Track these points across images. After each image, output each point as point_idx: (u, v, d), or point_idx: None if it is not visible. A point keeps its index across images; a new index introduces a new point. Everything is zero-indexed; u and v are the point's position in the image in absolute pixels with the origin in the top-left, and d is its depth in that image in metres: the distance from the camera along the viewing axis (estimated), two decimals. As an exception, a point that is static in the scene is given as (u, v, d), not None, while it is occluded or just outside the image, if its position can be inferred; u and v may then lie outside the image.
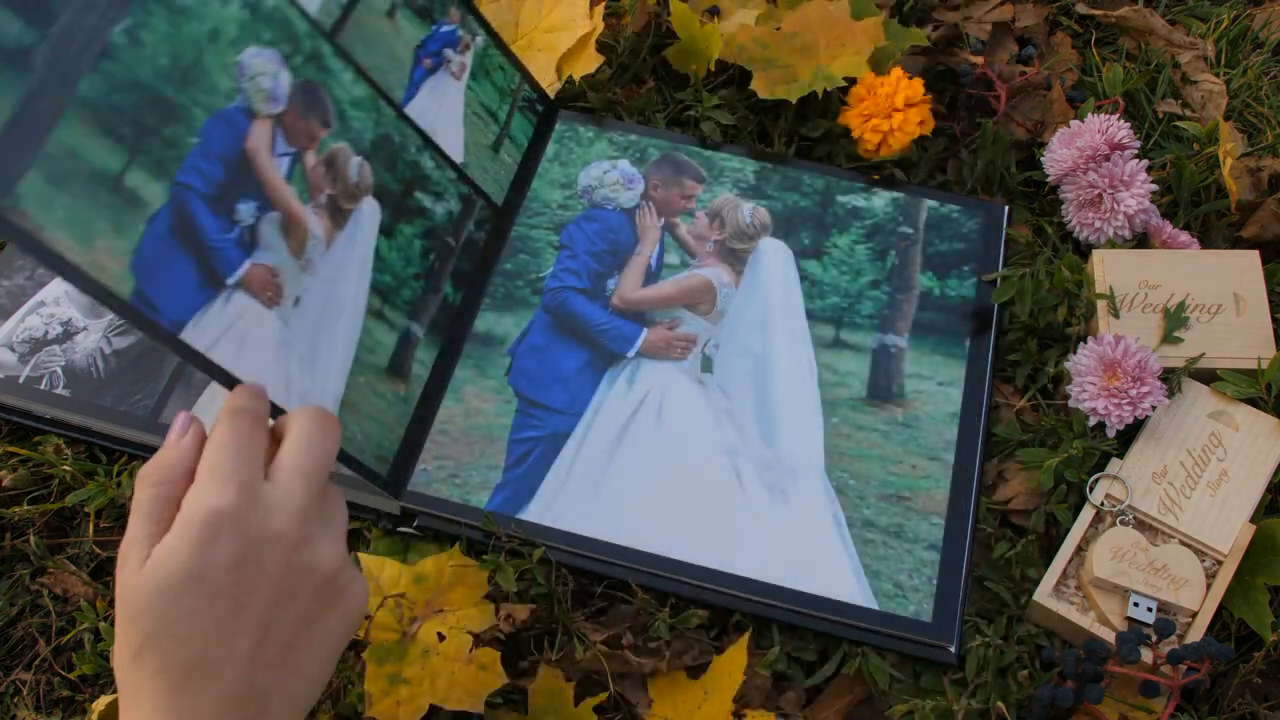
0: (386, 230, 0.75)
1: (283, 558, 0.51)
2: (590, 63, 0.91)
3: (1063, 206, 0.85)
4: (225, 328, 0.63)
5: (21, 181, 0.53)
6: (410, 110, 0.80)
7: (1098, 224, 0.82)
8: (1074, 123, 0.85)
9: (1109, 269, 0.79)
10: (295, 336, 0.68)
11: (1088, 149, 0.83)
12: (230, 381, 0.61)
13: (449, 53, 0.85)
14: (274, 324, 0.67)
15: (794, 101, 0.87)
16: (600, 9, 0.94)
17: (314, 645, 0.53)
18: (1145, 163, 0.82)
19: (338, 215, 0.73)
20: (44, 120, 0.55)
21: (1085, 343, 0.75)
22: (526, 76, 0.89)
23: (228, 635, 0.50)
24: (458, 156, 0.83)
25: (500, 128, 0.88)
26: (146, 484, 0.52)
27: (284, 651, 0.51)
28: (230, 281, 0.65)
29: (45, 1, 0.55)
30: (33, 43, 0.54)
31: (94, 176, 0.57)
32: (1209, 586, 0.69)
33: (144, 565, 0.50)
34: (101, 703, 0.66)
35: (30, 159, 0.54)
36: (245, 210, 0.66)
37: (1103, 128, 0.83)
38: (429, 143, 0.81)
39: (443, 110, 0.83)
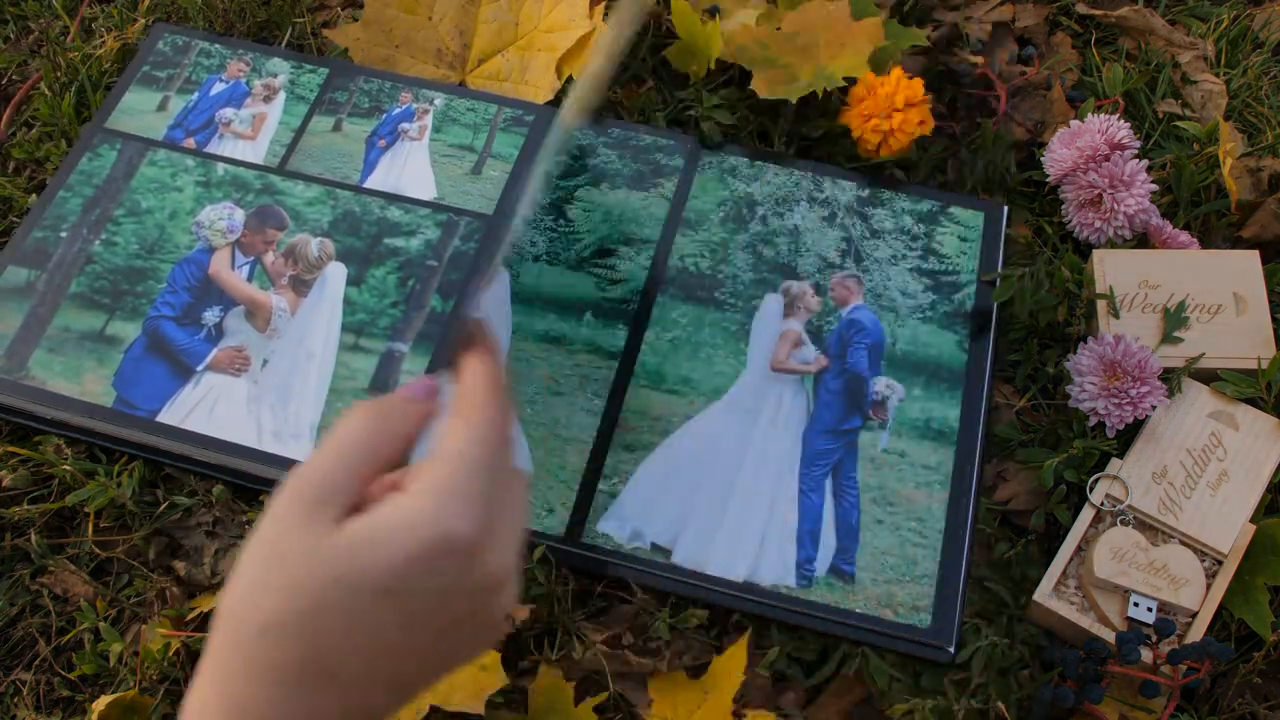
0: (355, 281, 0.83)
1: (478, 603, 0.45)
2: (590, 63, 0.91)
3: (1063, 206, 0.85)
4: (196, 402, 0.78)
5: (30, 359, 0.79)
6: (370, 183, 0.87)
7: (1098, 224, 0.82)
8: (1074, 123, 0.85)
9: (1109, 269, 0.79)
10: (265, 390, 0.78)
11: (1088, 149, 0.83)
12: (208, 441, 0.75)
13: (404, 126, 0.90)
14: (243, 387, 0.78)
15: (794, 101, 0.87)
16: (600, 9, 0.94)
17: (426, 678, 0.45)
18: (1145, 163, 0.82)
19: (301, 287, 0.83)
20: (46, 317, 0.80)
21: (1085, 343, 0.75)
22: (504, 101, 0.91)
23: (385, 654, 0.42)
24: (430, 195, 0.87)
25: (479, 155, 0.89)
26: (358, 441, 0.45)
27: (409, 676, 0.44)
28: (199, 368, 0.79)
29: (45, 248, 0.82)
30: (35, 277, 0.82)
31: (82, 337, 0.80)
32: (1209, 586, 0.69)
33: (334, 529, 0.42)
34: (101, 703, 0.66)
35: (36, 342, 0.79)
36: (210, 315, 0.81)
37: (1103, 128, 0.83)
38: (395, 198, 0.86)
39: (406, 169, 0.89)
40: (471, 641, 0.46)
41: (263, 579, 0.42)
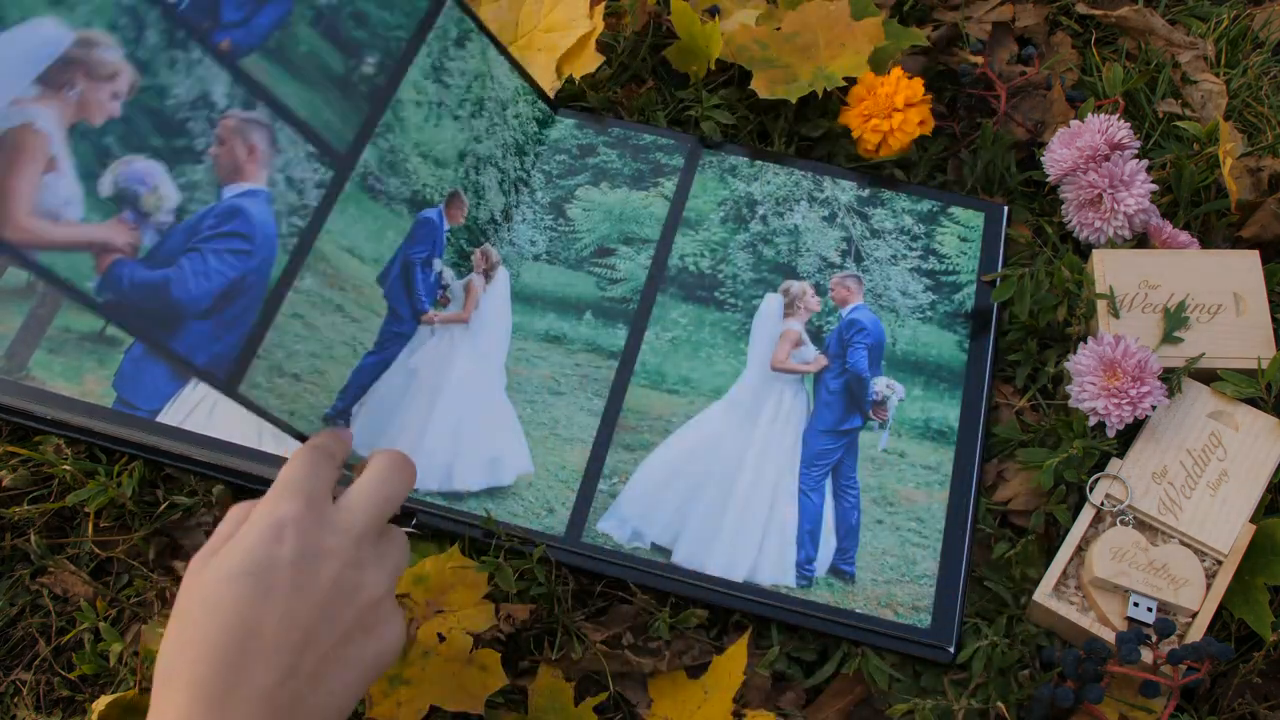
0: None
1: (334, 572, 0.54)
2: (590, 62, 0.91)
3: (1063, 206, 0.85)
4: (196, 403, 0.78)
5: (30, 359, 0.79)
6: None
7: (1098, 224, 0.82)
8: (1074, 123, 0.85)
9: (1109, 269, 0.79)
10: None
11: (1088, 149, 0.83)
12: (208, 441, 0.75)
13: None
14: None
15: (794, 101, 0.87)
16: (600, 9, 0.94)
17: (348, 667, 0.54)
18: (1145, 163, 0.82)
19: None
20: (46, 318, 0.80)
21: (1085, 343, 0.75)
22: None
23: (273, 632, 0.51)
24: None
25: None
26: (232, 510, 0.57)
27: (321, 664, 0.53)
28: None
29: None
30: (35, 278, 0.72)
31: (82, 338, 0.80)
32: (1209, 586, 0.69)
33: (218, 554, 0.54)
34: (101, 703, 0.66)
35: (36, 343, 0.79)
36: None
37: (1103, 128, 0.83)
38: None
39: None
40: (361, 633, 0.55)
41: (173, 617, 0.55)
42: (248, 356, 0.67)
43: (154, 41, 0.64)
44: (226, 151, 0.67)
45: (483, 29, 0.88)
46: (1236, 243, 0.86)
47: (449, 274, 0.82)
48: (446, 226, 0.83)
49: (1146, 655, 0.66)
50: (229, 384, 0.66)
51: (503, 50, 0.89)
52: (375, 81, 0.79)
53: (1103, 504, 0.73)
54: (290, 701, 0.51)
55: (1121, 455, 0.74)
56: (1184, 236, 0.82)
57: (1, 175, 0.54)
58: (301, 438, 0.70)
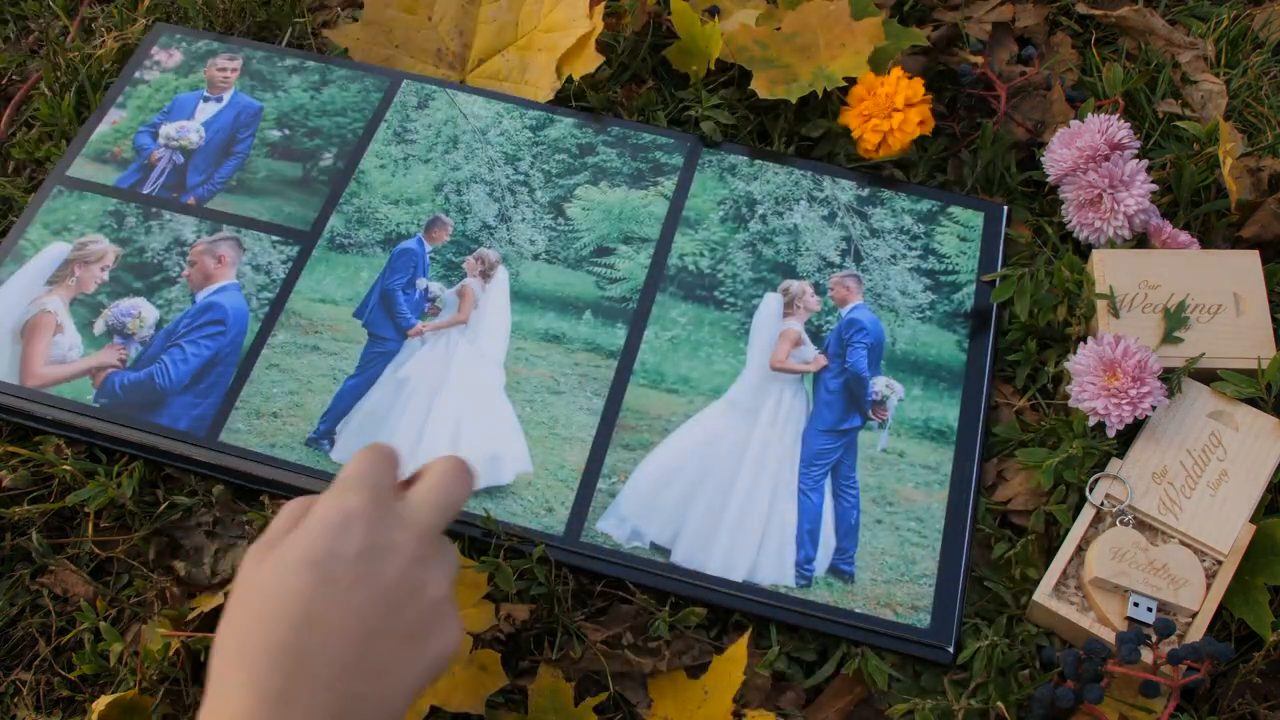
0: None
1: (400, 568, 0.52)
2: (590, 62, 0.91)
3: (1063, 206, 0.85)
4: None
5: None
6: None
7: (1098, 224, 0.82)
8: (1074, 123, 0.85)
9: (1109, 269, 0.79)
10: None
11: (1088, 149, 0.83)
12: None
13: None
14: None
15: (794, 101, 0.87)
16: (600, 9, 0.94)
17: (409, 665, 0.52)
18: (1145, 163, 0.82)
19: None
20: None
21: (1085, 343, 0.75)
22: None
23: (336, 624, 0.50)
24: None
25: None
26: (288, 504, 0.55)
27: (383, 660, 0.51)
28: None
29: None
30: None
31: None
32: (1209, 586, 0.69)
33: (277, 546, 0.52)
34: (101, 703, 0.66)
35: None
36: None
37: (1103, 128, 0.83)
38: None
39: None
40: (424, 632, 0.53)
41: (228, 610, 0.53)
42: (226, 410, 0.77)
43: (133, 224, 0.86)
44: (198, 270, 0.84)
45: (446, 84, 0.92)
46: (1236, 243, 0.85)
47: (436, 287, 0.83)
48: (429, 249, 0.84)
49: (1146, 655, 0.66)
50: (209, 438, 0.76)
51: (474, 90, 0.93)
52: (335, 168, 0.89)
53: (1103, 504, 0.73)
54: (352, 696, 0.49)
55: (1121, 455, 0.74)
56: (1184, 236, 0.82)
57: (25, 347, 0.80)
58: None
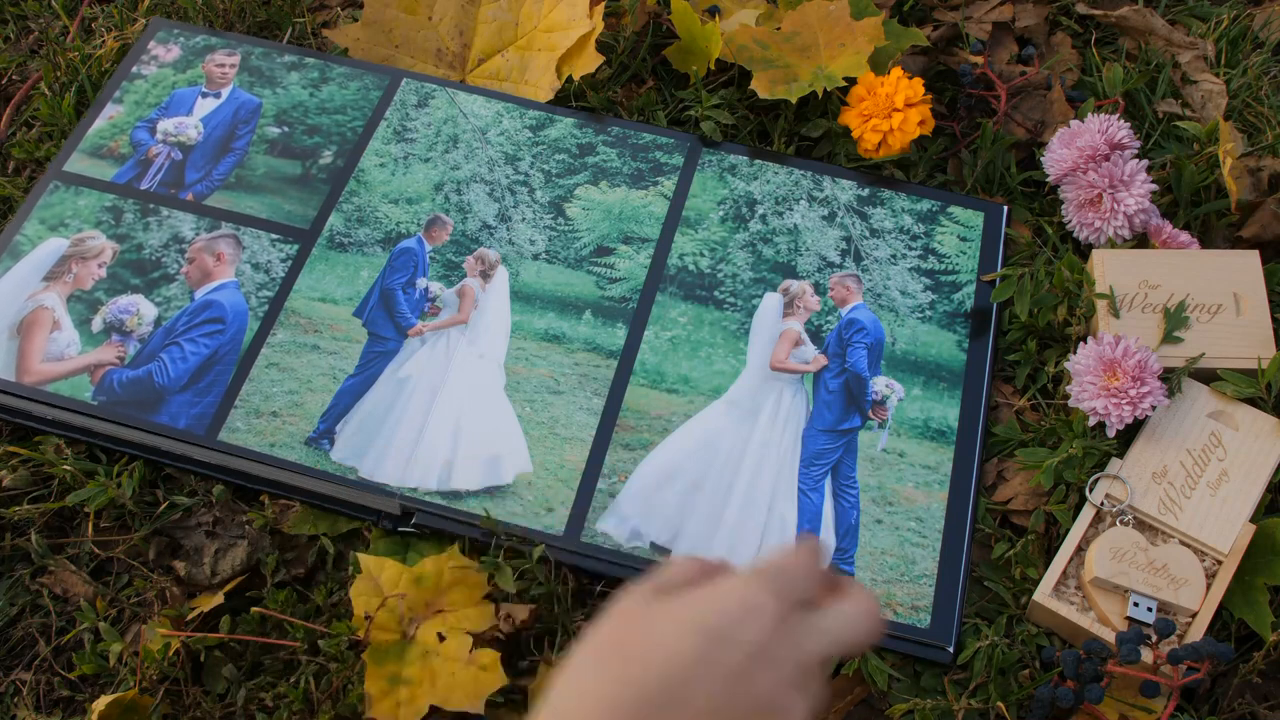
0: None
1: (774, 684, 0.51)
2: (590, 62, 0.91)
3: (1063, 206, 0.85)
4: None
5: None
6: None
7: (1098, 224, 0.82)
8: (1074, 123, 0.85)
9: (1109, 269, 0.79)
10: None
11: (1088, 149, 0.83)
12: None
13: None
14: None
15: (794, 101, 0.87)
16: (600, 9, 0.94)
17: None
18: (1145, 163, 0.82)
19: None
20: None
21: (1085, 343, 0.75)
22: None
23: (697, 706, 0.49)
24: None
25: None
26: (682, 558, 0.55)
27: None
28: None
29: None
30: None
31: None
32: (1209, 586, 0.69)
33: (672, 597, 0.52)
34: (101, 703, 0.66)
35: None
36: None
37: (1103, 128, 0.83)
38: None
39: None
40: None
41: (596, 634, 0.52)
42: (225, 409, 0.77)
43: (130, 220, 0.86)
44: (196, 267, 0.84)
45: (446, 83, 0.92)
46: (1236, 243, 0.85)
47: (436, 286, 0.83)
48: (429, 248, 0.84)
49: (1146, 655, 0.66)
50: (209, 436, 0.76)
51: (474, 89, 0.93)
52: (334, 166, 0.89)
53: (1103, 504, 0.73)
54: None
55: (1121, 455, 0.74)
56: (1184, 236, 0.82)
57: (22, 343, 0.80)
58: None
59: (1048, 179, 0.86)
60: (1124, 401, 0.72)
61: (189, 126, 0.90)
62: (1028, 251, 0.85)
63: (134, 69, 0.93)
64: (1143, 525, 0.72)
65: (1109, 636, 0.68)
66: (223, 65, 0.93)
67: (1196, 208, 0.86)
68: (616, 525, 0.74)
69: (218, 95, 0.92)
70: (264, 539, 0.74)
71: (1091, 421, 0.73)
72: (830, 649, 0.54)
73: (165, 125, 0.90)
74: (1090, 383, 0.73)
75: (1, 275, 0.83)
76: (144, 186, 0.87)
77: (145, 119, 0.91)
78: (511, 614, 0.69)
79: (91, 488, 0.75)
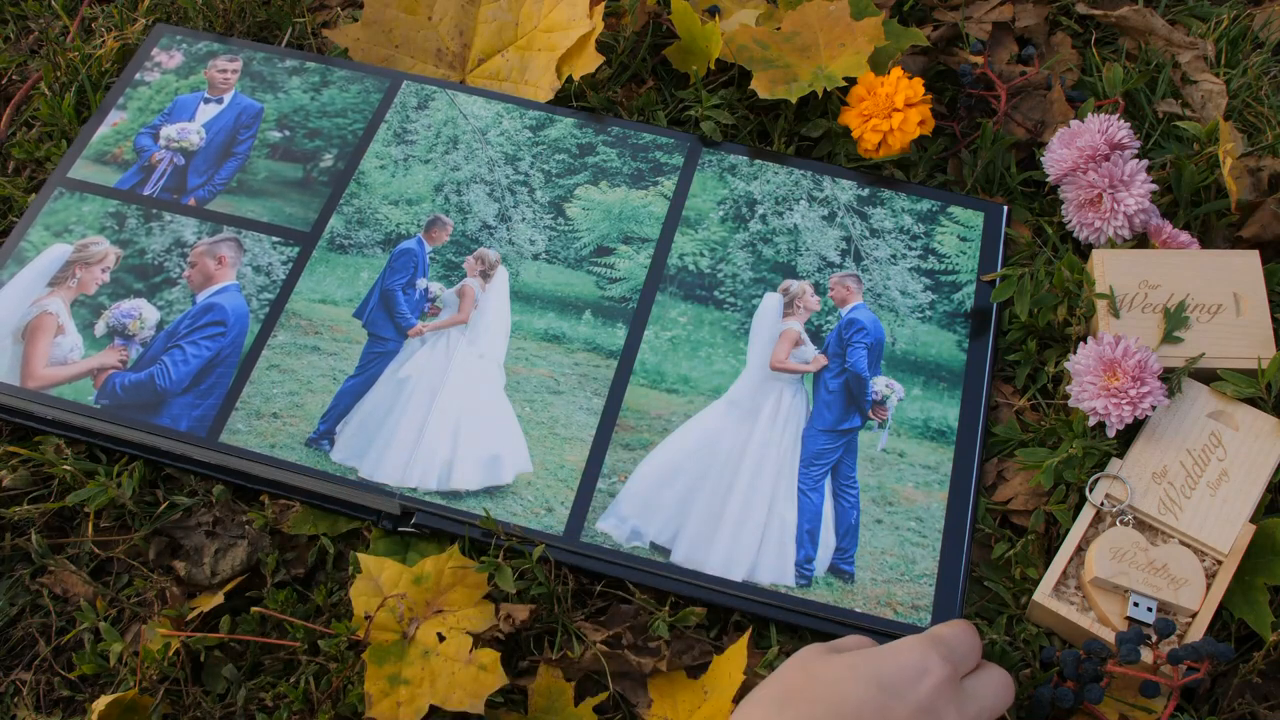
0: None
1: None
2: (590, 62, 0.91)
3: (1063, 206, 0.85)
4: None
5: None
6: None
7: (1098, 224, 0.82)
8: (1074, 123, 0.85)
9: (1109, 269, 0.79)
10: None
11: (1088, 149, 0.83)
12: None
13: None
14: None
15: (794, 101, 0.87)
16: (600, 9, 0.94)
17: None
18: (1145, 163, 0.82)
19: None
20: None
21: (1085, 343, 0.75)
22: None
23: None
24: None
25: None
26: (856, 636, 0.63)
27: None
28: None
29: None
30: None
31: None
32: (1209, 586, 0.69)
33: (847, 654, 0.59)
34: (101, 703, 0.66)
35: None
36: None
37: (1103, 128, 0.83)
38: None
39: None
40: None
41: (783, 675, 0.60)
42: (227, 411, 0.77)
43: (133, 225, 0.86)
44: (199, 271, 0.84)
45: (446, 85, 0.92)
46: (1236, 243, 0.85)
47: (436, 287, 0.83)
48: (429, 249, 0.84)
49: (1146, 655, 0.66)
50: (210, 439, 0.76)
51: (474, 90, 0.93)
52: (335, 169, 0.89)
53: (1103, 504, 0.73)
54: None
55: (1121, 455, 0.74)
56: (1184, 236, 0.82)
57: (27, 348, 0.80)
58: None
59: (1048, 179, 0.86)
60: (1124, 401, 0.72)
61: (191, 132, 0.90)
62: (1028, 251, 0.85)
63: (137, 75, 0.94)
64: (1143, 525, 0.72)
65: (1109, 636, 0.68)
66: (225, 71, 0.94)
67: (1196, 208, 0.86)
68: (616, 525, 0.74)
69: (220, 101, 0.92)
70: (264, 539, 0.74)
71: (1091, 421, 0.73)
72: (981, 714, 0.60)
73: (168, 131, 0.90)
74: (1090, 383, 0.73)
75: (7, 281, 0.83)
76: (147, 192, 0.87)
77: (148, 125, 0.91)
78: (511, 614, 0.69)
79: (91, 488, 0.75)
